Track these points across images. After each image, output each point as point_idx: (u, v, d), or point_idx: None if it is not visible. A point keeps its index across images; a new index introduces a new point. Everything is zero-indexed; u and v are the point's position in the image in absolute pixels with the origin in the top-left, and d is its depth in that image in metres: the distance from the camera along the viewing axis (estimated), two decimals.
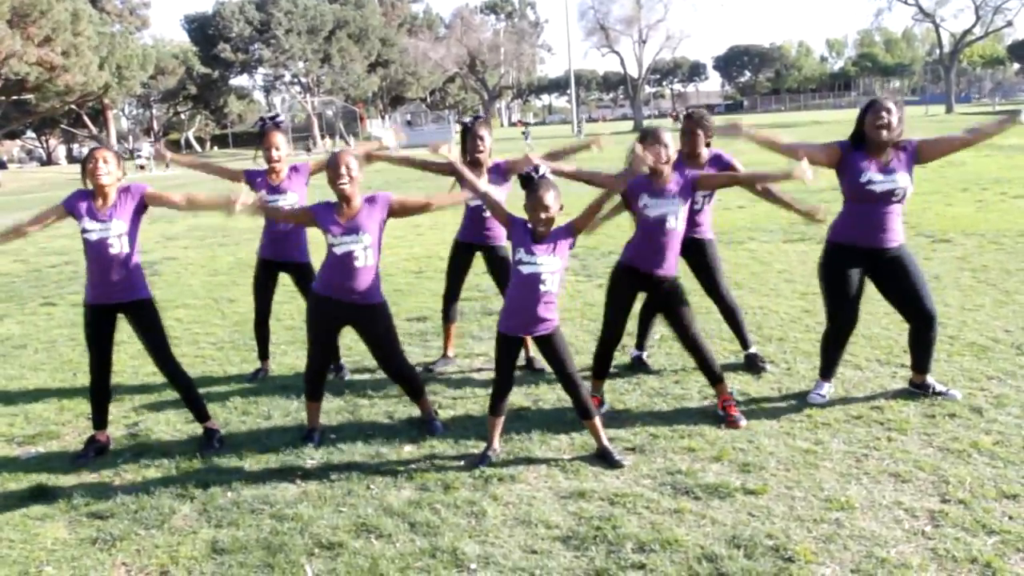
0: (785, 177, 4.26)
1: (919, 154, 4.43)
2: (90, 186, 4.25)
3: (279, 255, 5.44)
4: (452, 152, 4.67)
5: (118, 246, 4.22)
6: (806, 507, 3.49)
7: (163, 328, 4.46)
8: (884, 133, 4.33)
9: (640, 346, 5.46)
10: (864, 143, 4.43)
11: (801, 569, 3.03)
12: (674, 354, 5.60)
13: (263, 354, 5.75)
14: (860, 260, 4.51)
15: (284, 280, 5.68)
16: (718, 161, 5.08)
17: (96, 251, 4.22)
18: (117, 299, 4.30)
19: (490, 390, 4.40)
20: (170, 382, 4.49)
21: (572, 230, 4.00)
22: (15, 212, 20.53)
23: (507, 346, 4.08)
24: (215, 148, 72.61)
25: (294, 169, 5.40)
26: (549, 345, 4.03)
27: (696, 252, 5.12)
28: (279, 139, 5.29)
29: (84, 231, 4.23)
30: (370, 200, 4.28)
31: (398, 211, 4.33)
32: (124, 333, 4.62)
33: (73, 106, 44.70)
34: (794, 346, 5.70)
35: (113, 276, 4.24)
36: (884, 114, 4.33)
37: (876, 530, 3.28)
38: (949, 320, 6.02)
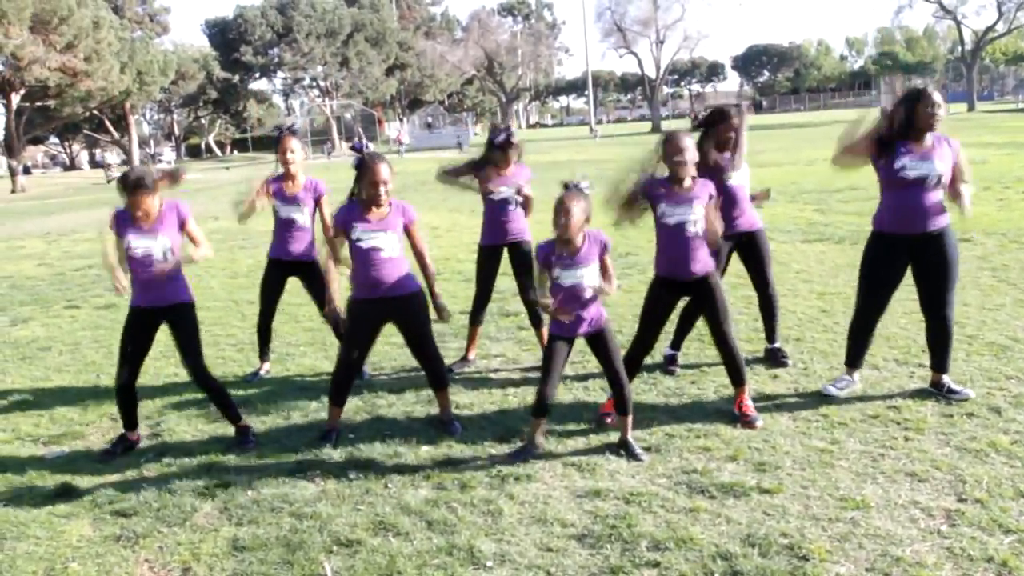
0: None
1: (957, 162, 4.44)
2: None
3: (288, 254, 5.55)
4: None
5: (163, 261, 4.33)
6: (821, 506, 3.49)
7: (199, 334, 4.54)
8: (939, 125, 4.36)
9: (675, 345, 5.48)
10: (908, 131, 4.40)
11: (816, 567, 3.04)
12: (690, 355, 5.61)
13: (263, 355, 5.87)
14: (902, 248, 4.52)
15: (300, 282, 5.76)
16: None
17: (140, 263, 4.32)
18: (162, 303, 4.40)
19: (507, 390, 4.47)
20: (200, 386, 4.57)
21: (603, 247, 4.05)
22: (39, 217, 20.83)
23: (558, 348, 4.13)
24: (235, 152, 73.23)
25: (312, 185, 5.52)
26: (599, 341, 4.11)
27: (747, 243, 5.24)
28: (294, 144, 5.47)
29: (128, 247, 4.32)
30: (397, 206, 4.38)
31: (407, 231, 4.43)
32: None
33: (95, 111, 45.22)
34: (811, 346, 5.69)
35: (157, 283, 4.35)
36: (934, 109, 4.34)
37: (891, 529, 3.28)
38: (968, 320, 5.99)
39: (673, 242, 4.36)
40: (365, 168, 4.26)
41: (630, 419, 4.18)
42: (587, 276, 4.00)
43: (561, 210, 3.93)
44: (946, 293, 4.53)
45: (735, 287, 5.72)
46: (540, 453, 4.18)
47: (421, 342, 4.51)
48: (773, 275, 5.39)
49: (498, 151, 5.42)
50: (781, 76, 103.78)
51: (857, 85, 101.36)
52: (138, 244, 4.31)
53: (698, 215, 4.31)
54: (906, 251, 4.52)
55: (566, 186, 4.02)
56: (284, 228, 5.52)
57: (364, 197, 4.30)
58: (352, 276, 4.41)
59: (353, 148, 4.52)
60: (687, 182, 4.32)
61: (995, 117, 41.32)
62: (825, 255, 8.81)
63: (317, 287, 5.57)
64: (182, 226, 4.43)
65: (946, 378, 4.66)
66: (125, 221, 4.35)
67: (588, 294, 4.02)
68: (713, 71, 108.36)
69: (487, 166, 5.49)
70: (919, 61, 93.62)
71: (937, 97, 4.37)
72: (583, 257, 4.00)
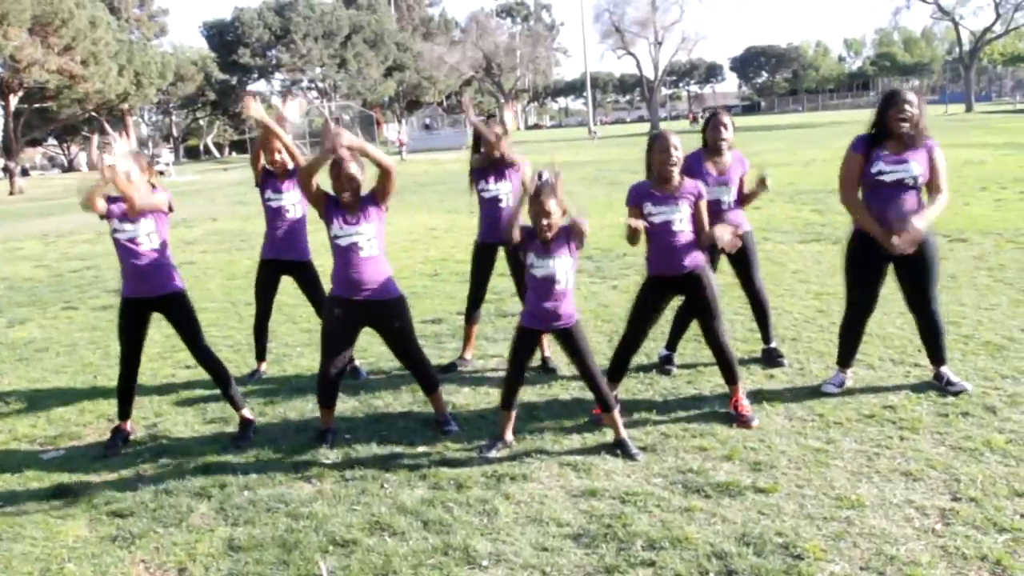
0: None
1: (930, 164, 4.46)
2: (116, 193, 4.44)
3: (280, 254, 5.56)
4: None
5: (147, 243, 4.44)
6: (816, 505, 3.50)
7: (196, 319, 4.64)
8: (906, 127, 4.39)
9: (671, 345, 5.49)
10: (883, 134, 4.48)
11: (810, 566, 3.05)
12: (687, 355, 5.62)
13: (260, 355, 5.88)
14: (880, 247, 4.54)
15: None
16: (741, 164, 5.25)
17: (126, 249, 4.45)
18: (152, 294, 4.51)
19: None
20: (206, 370, 4.68)
21: (570, 233, 4.07)
22: (37, 219, 20.82)
23: (525, 339, 4.23)
24: (233, 153, 73.24)
25: (293, 171, 5.54)
26: (569, 338, 4.15)
27: None
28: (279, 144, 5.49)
29: (115, 231, 4.46)
30: (364, 198, 4.39)
31: (381, 193, 4.38)
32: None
33: (93, 113, 45.21)
34: (807, 346, 5.70)
35: (145, 271, 4.46)
36: (906, 107, 4.39)
37: (886, 528, 3.29)
38: (964, 319, 6.00)
39: (661, 241, 4.40)
40: (333, 165, 4.29)
41: (617, 414, 4.20)
42: (559, 267, 4.03)
43: (541, 212, 3.98)
44: (929, 290, 4.58)
45: (731, 287, 5.74)
46: (509, 448, 4.25)
47: (403, 347, 4.51)
48: (760, 276, 5.40)
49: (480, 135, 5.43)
50: (779, 77, 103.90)
51: (855, 86, 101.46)
52: (122, 227, 4.43)
53: (684, 214, 4.34)
54: (886, 250, 4.55)
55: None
56: (275, 220, 5.51)
57: (334, 193, 4.34)
58: (332, 273, 4.42)
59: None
60: (675, 181, 4.35)
61: (993, 118, 41.39)
62: (822, 255, 8.82)
63: (312, 288, 5.59)
64: (167, 208, 4.52)
65: (945, 369, 4.73)
66: (113, 204, 4.45)
67: (560, 286, 4.04)
68: (711, 72, 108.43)
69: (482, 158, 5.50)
70: (917, 62, 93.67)
71: (911, 98, 4.40)
72: (556, 247, 4.04)
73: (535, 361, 5.53)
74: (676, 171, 4.34)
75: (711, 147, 5.14)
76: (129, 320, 4.57)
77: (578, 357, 4.16)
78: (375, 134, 61.93)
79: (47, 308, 8.88)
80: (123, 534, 3.62)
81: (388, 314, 4.42)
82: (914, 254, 4.50)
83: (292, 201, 5.48)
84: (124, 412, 4.70)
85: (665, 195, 4.35)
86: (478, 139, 5.50)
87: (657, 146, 4.33)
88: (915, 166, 4.41)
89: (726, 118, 5.17)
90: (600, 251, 9.84)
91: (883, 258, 4.59)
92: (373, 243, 4.32)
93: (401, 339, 4.49)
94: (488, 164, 5.43)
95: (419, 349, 4.58)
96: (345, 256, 4.30)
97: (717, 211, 5.09)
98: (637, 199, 4.41)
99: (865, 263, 4.65)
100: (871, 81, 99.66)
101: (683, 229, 4.37)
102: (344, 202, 4.28)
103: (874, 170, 4.47)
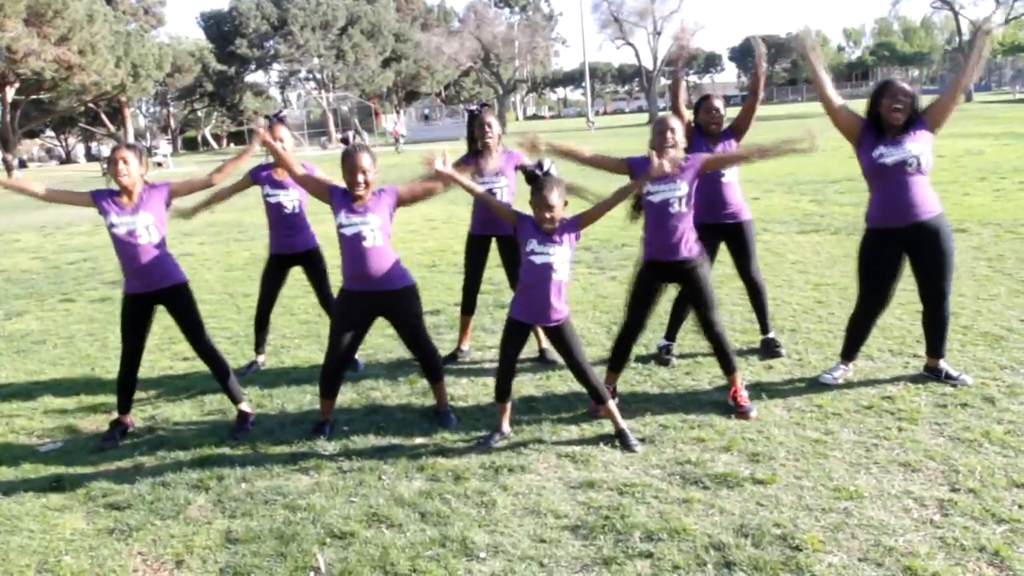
0: (790, 149, 4.23)
1: (930, 122, 4.45)
2: (115, 185, 4.44)
3: (286, 249, 5.54)
4: (439, 162, 4.58)
5: (146, 236, 4.41)
6: (815, 496, 3.50)
7: (198, 311, 4.63)
8: (900, 117, 4.38)
9: (670, 336, 5.48)
10: (879, 122, 4.47)
11: (808, 557, 3.04)
12: (685, 345, 5.61)
13: (259, 347, 5.88)
14: (896, 241, 4.53)
15: (297, 274, 5.76)
16: (729, 136, 5.26)
17: (125, 243, 4.41)
18: (155, 287, 4.49)
19: None
20: (206, 363, 4.67)
21: (578, 224, 4.10)
22: (34, 210, 20.76)
23: (517, 332, 4.22)
24: (231, 144, 73.04)
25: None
26: (559, 335, 4.14)
27: (734, 234, 5.28)
28: (282, 132, 5.40)
29: (112, 225, 4.42)
30: (379, 191, 4.38)
31: (407, 199, 4.42)
32: None
33: (91, 104, 45.10)
34: (806, 337, 5.69)
35: (146, 265, 4.43)
36: (902, 98, 4.38)
37: (884, 519, 3.28)
38: (963, 310, 5.99)
39: (658, 221, 4.38)
40: (345, 156, 4.28)
41: (612, 405, 4.20)
42: (558, 258, 4.03)
43: (544, 205, 3.97)
44: (944, 282, 4.56)
45: (730, 279, 5.73)
46: (507, 439, 4.25)
47: (413, 336, 4.51)
48: (758, 266, 5.40)
49: (474, 120, 5.39)
50: (779, 67, 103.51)
51: (854, 76, 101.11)
52: (120, 221, 4.39)
53: (683, 191, 4.32)
54: (900, 243, 4.53)
55: (534, 174, 4.06)
56: (277, 216, 5.49)
57: (345, 185, 4.32)
58: (341, 267, 4.40)
59: (343, 140, 4.50)
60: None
61: (992, 108, 41.30)
62: (821, 246, 8.81)
63: (320, 279, 5.59)
64: (167, 203, 4.54)
65: (943, 363, 4.71)
66: (106, 199, 4.44)
67: (557, 276, 4.04)
68: (710, 62, 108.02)
69: (473, 156, 5.46)
70: (916, 52, 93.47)
71: (907, 89, 4.40)
72: (557, 238, 4.04)
73: (533, 352, 5.54)
74: (673, 154, 4.31)
75: (704, 130, 5.15)
76: (133, 316, 4.53)
77: (568, 353, 4.15)
78: (373, 125, 61.81)
79: (44, 300, 8.86)
80: (120, 526, 3.61)
81: (397, 303, 4.41)
82: (930, 245, 4.49)
83: (291, 197, 5.45)
84: (124, 406, 4.68)
85: (664, 176, 4.32)
86: (472, 137, 5.46)
87: (655, 129, 4.34)
88: (912, 146, 4.39)
89: (717, 101, 5.19)
90: (599, 242, 9.83)
91: (898, 254, 4.56)
92: (378, 234, 4.29)
93: (411, 327, 4.50)
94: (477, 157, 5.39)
95: (428, 338, 4.58)
96: (350, 246, 4.29)
97: (717, 184, 5.10)
98: (638, 166, 4.37)
99: (879, 260, 4.61)
100: (870, 71, 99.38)
101: (681, 210, 4.34)
102: (354, 194, 4.27)
103: (875, 154, 4.43)
